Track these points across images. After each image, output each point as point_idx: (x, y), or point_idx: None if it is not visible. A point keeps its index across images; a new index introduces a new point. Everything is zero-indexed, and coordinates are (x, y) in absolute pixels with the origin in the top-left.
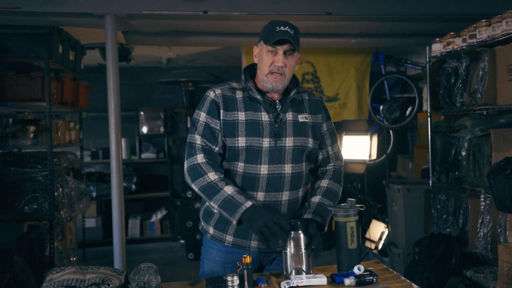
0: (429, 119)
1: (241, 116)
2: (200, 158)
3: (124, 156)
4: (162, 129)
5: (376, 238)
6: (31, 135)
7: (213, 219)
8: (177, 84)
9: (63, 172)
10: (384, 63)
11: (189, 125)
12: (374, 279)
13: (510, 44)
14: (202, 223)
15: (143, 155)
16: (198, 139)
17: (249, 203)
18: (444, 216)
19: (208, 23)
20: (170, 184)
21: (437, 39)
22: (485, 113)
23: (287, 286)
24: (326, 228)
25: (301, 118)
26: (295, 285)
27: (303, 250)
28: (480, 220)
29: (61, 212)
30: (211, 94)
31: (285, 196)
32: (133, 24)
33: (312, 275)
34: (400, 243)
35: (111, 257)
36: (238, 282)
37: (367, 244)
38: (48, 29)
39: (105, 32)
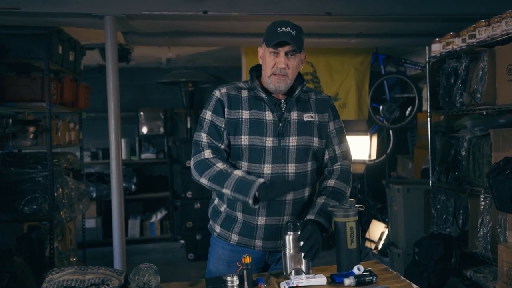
0: (428, 119)
1: (245, 114)
2: (207, 153)
3: (124, 157)
4: (162, 130)
5: (376, 238)
6: (31, 136)
7: (220, 217)
8: (177, 85)
9: (63, 173)
10: (384, 63)
11: (189, 125)
12: (374, 279)
13: (509, 44)
14: (210, 222)
15: (143, 156)
16: (204, 137)
17: (261, 180)
18: (444, 216)
19: (208, 23)
20: (170, 184)
21: (437, 39)
22: (484, 113)
23: (286, 286)
24: (330, 230)
25: (306, 117)
26: (294, 285)
27: None
28: (480, 220)
29: (61, 213)
30: (216, 93)
31: (289, 195)
32: (132, 24)
33: (311, 275)
34: (400, 243)
35: (111, 257)
36: (237, 282)
37: (367, 244)
38: (48, 30)
39: (105, 32)
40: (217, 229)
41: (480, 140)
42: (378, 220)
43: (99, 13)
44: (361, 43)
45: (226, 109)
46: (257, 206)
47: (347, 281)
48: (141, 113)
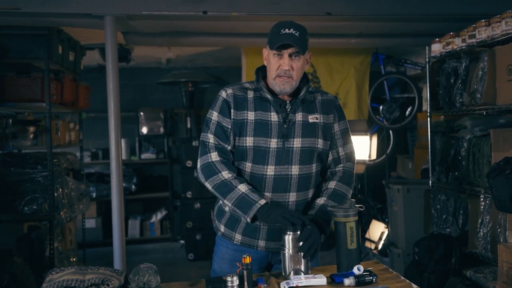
0: (428, 119)
1: (251, 115)
2: (214, 156)
3: (124, 157)
4: (162, 130)
5: (376, 238)
6: (31, 136)
7: (224, 217)
8: (177, 85)
9: (63, 173)
10: (384, 63)
11: (189, 125)
12: (374, 279)
13: (509, 44)
14: (216, 222)
15: (143, 156)
16: (211, 138)
17: (263, 201)
18: (444, 216)
19: (208, 23)
20: (170, 184)
21: (437, 39)
22: (484, 113)
23: (286, 286)
24: (329, 231)
25: (311, 118)
26: (294, 285)
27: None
28: (479, 220)
29: (61, 213)
30: (222, 94)
31: (292, 197)
32: (132, 24)
33: (311, 275)
34: (400, 243)
35: (111, 257)
36: (237, 283)
37: (367, 244)
38: (47, 30)
39: (105, 32)
40: (222, 228)
41: (480, 140)
42: (378, 220)
43: (99, 13)
44: (361, 43)
45: (232, 110)
46: (254, 223)
47: (347, 281)
48: (141, 113)
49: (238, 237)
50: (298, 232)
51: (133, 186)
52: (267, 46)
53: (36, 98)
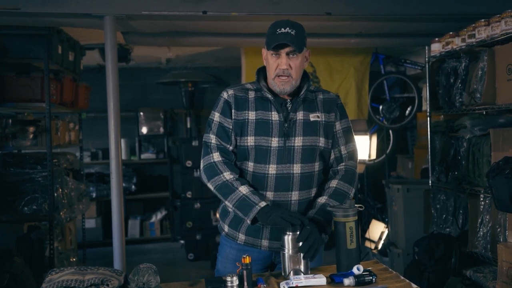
0: (428, 119)
1: (251, 115)
2: (216, 156)
3: (123, 157)
4: (161, 130)
5: (376, 238)
6: (31, 136)
7: (228, 217)
8: (177, 85)
9: (63, 173)
10: (384, 63)
11: (188, 125)
12: (374, 279)
13: (509, 44)
14: (220, 221)
15: (143, 156)
16: (213, 139)
17: (263, 203)
18: (444, 215)
19: (208, 23)
20: (170, 184)
21: (436, 39)
22: (484, 113)
23: (286, 287)
24: (330, 230)
25: (313, 117)
26: (294, 285)
27: None
28: (479, 220)
29: (61, 213)
30: (224, 95)
31: (294, 196)
32: (132, 24)
33: (311, 275)
34: (400, 243)
35: (111, 257)
36: (237, 283)
37: (367, 244)
38: (47, 30)
39: (105, 32)
40: (226, 228)
41: (480, 140)
42: (378, 220)
43: (99, 13)
44: (361, 43)
45: (233, 110)
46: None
47: (347, 281)
48: (141, 113)
49: (241, 237)
50: (298, 233)
51: (133, 186)
52: (265, 47)
53: (36, 98)
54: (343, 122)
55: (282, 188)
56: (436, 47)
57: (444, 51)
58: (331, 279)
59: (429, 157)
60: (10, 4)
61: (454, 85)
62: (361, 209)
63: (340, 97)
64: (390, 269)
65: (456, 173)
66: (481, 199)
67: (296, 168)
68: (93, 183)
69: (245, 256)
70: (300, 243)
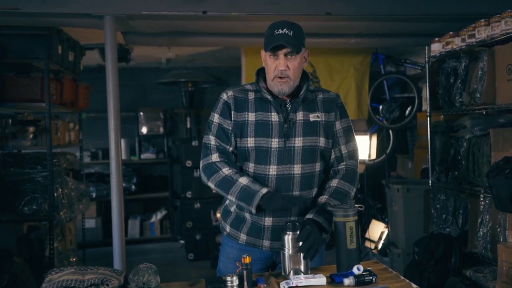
0: (428, 119)
1: (251, 117)
2: (215, 157)
3: (123, 157)
4: (161, 130)
5: (375, 238)
6: (31, 136)
7: (230, 217)
8: (177, 85)
9: (63, 173)
10: (384, 63)
11: (188, 125)
12: (374, 279)
13: (509, 44)
14: (222, 222)
15: (143, 156)
16: (212, 140)
17: (264, 190)
18: (444, 215)
19: (208, 23)
20: (169, 184)
21: (436, 39)
22: (484, 113)
23: (286, 286)
24: (330, 229)
25: (313, 117)
26: (294, 285)
27: None
28: (479, 220)
29: (61, 213)
30: (223, 96)
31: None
32: (132, 24)
33: (311, 275)
34: (400, 243)
35: (111, 257)
36: (237, 283)
37: (367, 244)
38: (47, 30)
39: (105, 32)
40: (227, 228)
41: (480, 140)
42: (378, 220)
43: (99, 13)
44: (361, 43)
45: (232, 112)
46: (259, 214)
47: (347, 281)
48: (141, 113)
49: (243, 237)
50: (298, 232)
51: (133, 186)
52: (263, 48)
53: (36, 98)
54: (343, 122)
55: (283, 188)
56: (436, 47)
57: (444, 51)
58: (331, 279)
59: (429, 157)
60: (10, 4)
61: (454, 85)
62: (361, 209)
63: (340, 97)
64: (390, 269)
65: (456, 173)
66: (481, 199)
67: (297, 169)
68: (93, 183)
69: (245, 256)
70: (300, 243)
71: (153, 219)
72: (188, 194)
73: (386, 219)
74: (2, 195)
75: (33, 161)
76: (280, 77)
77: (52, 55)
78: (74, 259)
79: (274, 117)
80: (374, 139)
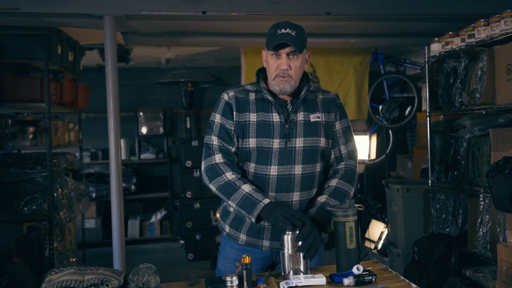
0: (428, 119)
1: (252, 117)
2: (218, 158)
3: (123, 157)
4: (161, 130)
5: (375, 238)
6: (30, 136)
7: (229, 218)
8: (177, 85)
9: (63, 173)
10: (383, 63)
11: (188, 125)
12: (373, 279)
13: (508, 44)
14: (221, 222)
15: (143, 156)
16: (215, 140)
17: (266, 200)
18: (444, 215)
19: (207, 23)
20: (169, 184)
21: (436, 39)
22: (484, 113)
23: (286, 286)
24: (329, 229)
25: (313, 117)
26: (294, 285)
27: None
28: (479, 220)
29: (61, 213)
30: (225, 97)
31: (296, 196)
32: (132, 24)
33: (311, 275)
34: (400, 243)
35: (111, 258)
36: (237, 283)
37: (367, 244)
38: (47, 30)
39: (104, 32)
40: (227, 228)
41: (479, 140)
42: (378, 220)
43: (98, 13)
44: (360, 43)
45: (234, 112)
46: (259, 223)
47: (347, 281)
48: (141, 113)
49: (242, 237)
50: (297, 232)
51: (133, 186)
52: (265, 48)
53: (36, 98)
54: (342, 122)
55: (283, 189)
56: (436, 47)
57: (444, 51)
58: (330, 279)
59: (429, 157)
60: (10, 4)
61: (453, 85)
62: (361, 209)
63: (340, 97)
64: (390, 269)
65: (455, 173)
66: (481, 199)
67: (297, 169)
68: (93, 183)
69: (244, 256)
70: (300, 243)
71: (153, 219)
72: (188, 194)
73: (386, 219)
74: (1, 196)
75: (33, 161)
76: (282, 76)
77: (52, 55)
78: (74, 260)
79: (275, 117)
80: (374, 139)
